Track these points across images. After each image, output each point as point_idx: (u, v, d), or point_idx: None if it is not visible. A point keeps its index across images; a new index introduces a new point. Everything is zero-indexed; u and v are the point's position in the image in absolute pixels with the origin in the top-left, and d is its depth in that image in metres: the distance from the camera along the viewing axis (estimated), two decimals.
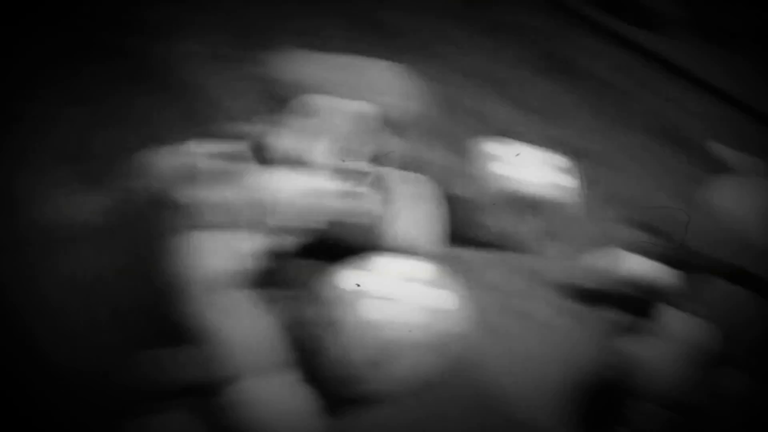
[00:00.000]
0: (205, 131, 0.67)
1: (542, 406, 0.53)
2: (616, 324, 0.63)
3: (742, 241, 0.61)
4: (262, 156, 0.52)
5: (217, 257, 0.48)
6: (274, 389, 0.44)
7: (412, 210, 0.57)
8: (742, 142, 0.77)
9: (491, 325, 0.57)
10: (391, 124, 0.66)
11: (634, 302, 0.65)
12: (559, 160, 0.60)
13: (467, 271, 0.61)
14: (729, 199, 0.63)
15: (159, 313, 0.46)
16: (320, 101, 0.60)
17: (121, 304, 0.51)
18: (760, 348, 0.54)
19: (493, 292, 0.59)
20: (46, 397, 0.44)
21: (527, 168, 0.60)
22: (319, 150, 0.53)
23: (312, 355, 0.49)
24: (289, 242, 0.53)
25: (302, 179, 0.53)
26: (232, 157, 0.54)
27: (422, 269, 0.48)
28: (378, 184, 0.59)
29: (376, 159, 0.62)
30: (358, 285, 0.46)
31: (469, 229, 0.62)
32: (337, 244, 0.55)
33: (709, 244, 0.64)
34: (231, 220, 0.51)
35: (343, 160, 0.55)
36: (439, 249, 0.58)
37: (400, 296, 0.45)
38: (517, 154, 0.62)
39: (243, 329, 0.45)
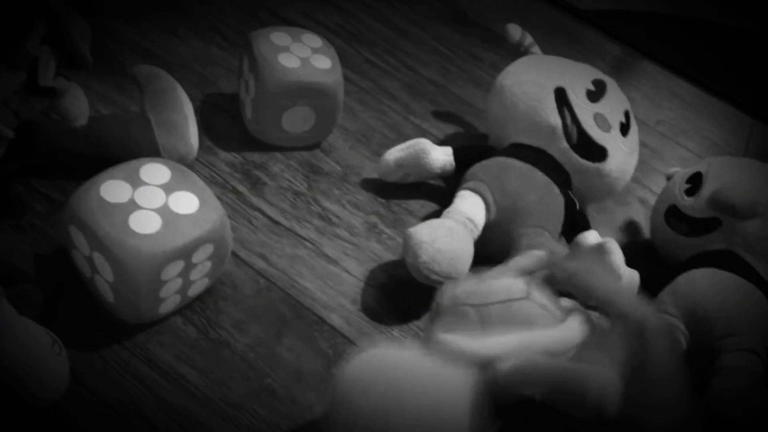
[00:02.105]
0: None
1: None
2: (420, 215, 0.64)
3: (534, 121, 0.61)
4: None
5: None
6: None
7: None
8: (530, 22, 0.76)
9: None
10: None
11: (438, 191, 0.66)
12: (316, 40, 0.59)
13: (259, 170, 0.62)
14: (522, 81, 0.63)
15: None
16: None
17: None
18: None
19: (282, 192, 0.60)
20: None
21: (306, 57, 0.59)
22: None
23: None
24: None
25: None
26: None
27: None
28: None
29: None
30: None
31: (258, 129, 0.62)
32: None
33: (503, 128, 0.65)
34: None
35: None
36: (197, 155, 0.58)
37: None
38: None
39: None
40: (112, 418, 0.44)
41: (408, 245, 0.53)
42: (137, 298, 0.45)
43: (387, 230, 0.61)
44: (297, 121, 0.62)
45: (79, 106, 0.49)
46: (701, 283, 0.57)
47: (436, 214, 0.59)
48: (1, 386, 0.40)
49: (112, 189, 0.45)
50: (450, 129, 0.74)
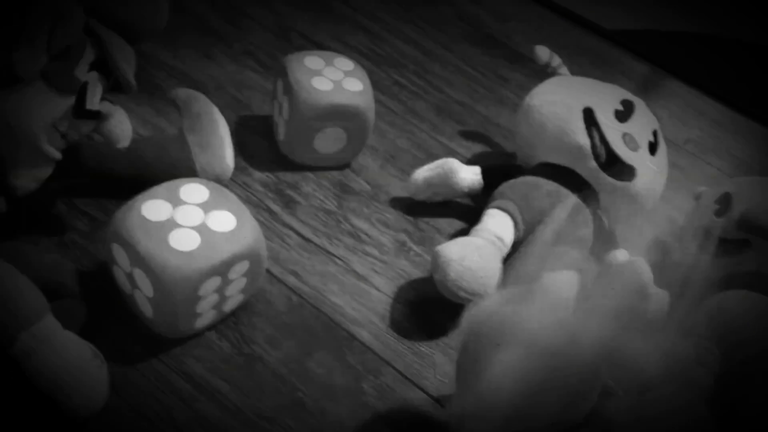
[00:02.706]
0: None
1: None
2: (448, 233, 0.65)
3: (562, 141, 0.63)
4: None
5: None
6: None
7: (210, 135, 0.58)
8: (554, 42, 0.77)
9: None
10: None
11: (466, 210, 0.67)
12: (347, 64, 0.63)
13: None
14: (550, 102, 0.66)
15: None
16: None
17: None
18: None
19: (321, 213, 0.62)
20: None
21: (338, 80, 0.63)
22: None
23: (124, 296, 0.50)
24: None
25: None
26: None
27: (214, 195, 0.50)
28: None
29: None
30: None
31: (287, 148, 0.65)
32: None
33: (531, 147, 0.66)
34: None
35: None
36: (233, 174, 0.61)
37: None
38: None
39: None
40: (148, 429, 0.45)
41: (436, 263, 0.54)
42: (175, 313, 0.47)
43: (415, 248, 0.62)
44: (329, 141, 0.64)
45: (123, 129, 0.51)
46: (733, 305, 0.56)
47: (464, 233, 0.60)
48: (43, 397, 0.42)
49: (153, 208, 0.47)
50: (478, 148, 0.75)
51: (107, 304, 0.50)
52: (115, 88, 0.52)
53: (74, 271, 0.49)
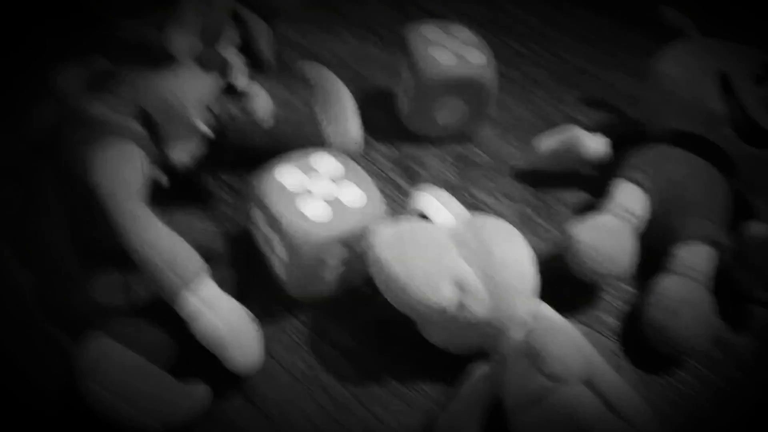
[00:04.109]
0: None
1: None
2: (574, 206, 0.63)
3: (695, 107, 0.59)
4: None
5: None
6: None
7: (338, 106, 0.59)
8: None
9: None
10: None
11: (592, 181, 0.64)
12: (470, 37, 0.61)
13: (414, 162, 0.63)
14: (681, 66, 0.61)
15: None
16: None
17: None
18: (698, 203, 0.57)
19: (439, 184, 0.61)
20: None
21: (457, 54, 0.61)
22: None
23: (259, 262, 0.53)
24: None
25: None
26: None
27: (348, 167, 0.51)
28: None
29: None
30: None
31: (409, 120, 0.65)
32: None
33: (661, 114, 0.62)
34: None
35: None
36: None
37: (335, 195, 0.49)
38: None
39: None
40: (295, 384, 0.49)
41: (568, 245, 0.53)
42: (306, 278, 0.50)
43: (541, 221, 0.62)
44: (450, 113, 0.65)
45: (265, 107, 0.54)
46: None
47: (590, 205, 0.59)
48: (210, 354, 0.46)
49: (287, 174, 0.50)
50: (601, 116, 0.73)
51: (251, 269, 0.54)
52: (253, 66, 0.56)
53: (221, 237, 0.53)
